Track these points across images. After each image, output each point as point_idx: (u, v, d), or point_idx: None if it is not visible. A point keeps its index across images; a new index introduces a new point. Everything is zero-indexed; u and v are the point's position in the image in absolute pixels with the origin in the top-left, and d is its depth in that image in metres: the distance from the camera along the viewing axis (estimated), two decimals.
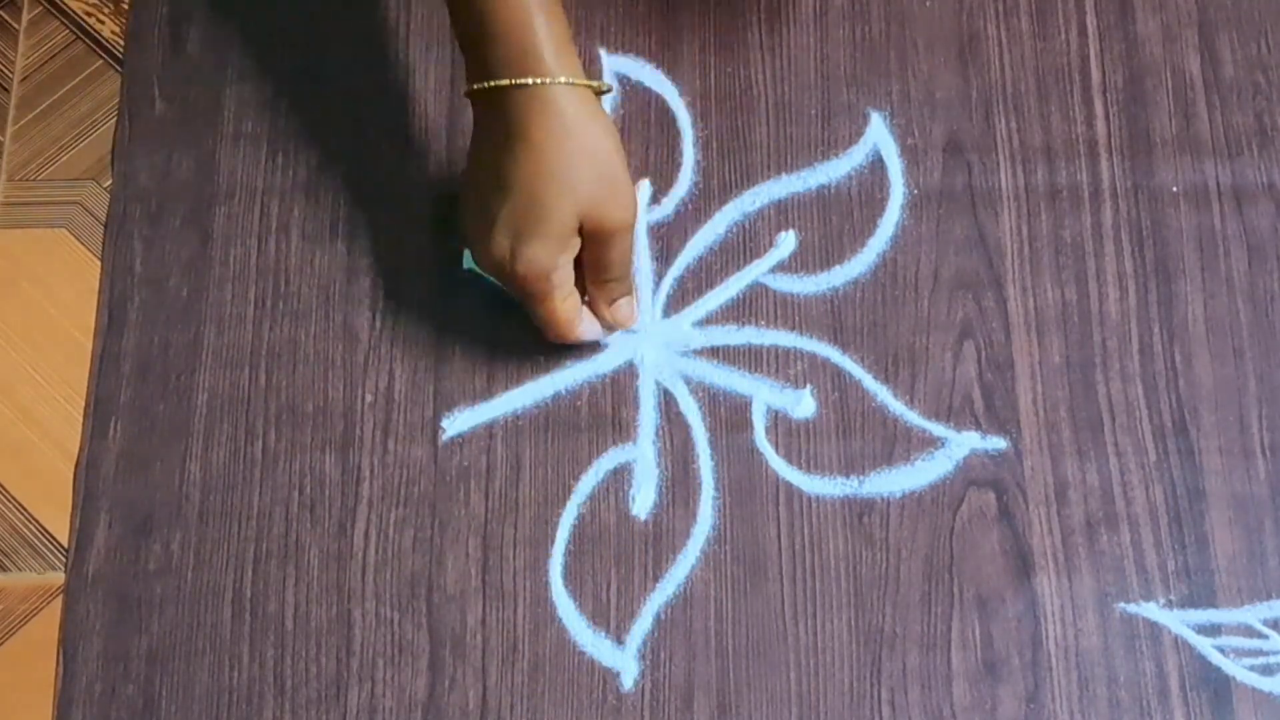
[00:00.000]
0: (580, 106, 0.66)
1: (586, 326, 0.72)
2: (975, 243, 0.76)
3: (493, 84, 0.66)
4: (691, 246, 0.77)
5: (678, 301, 0.76)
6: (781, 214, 0.77)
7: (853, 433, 0.73)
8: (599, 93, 0.68)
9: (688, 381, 0.74)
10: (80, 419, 0.74)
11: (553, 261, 0.68)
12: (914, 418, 0.73)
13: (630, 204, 0.69)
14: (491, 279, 0.71)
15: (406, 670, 0.69)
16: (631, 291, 0.73)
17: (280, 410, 0.74)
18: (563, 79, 0.66)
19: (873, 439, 0.73)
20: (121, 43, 0.82)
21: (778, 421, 0.73)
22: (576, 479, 0.72)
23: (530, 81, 0.65)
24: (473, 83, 0.67)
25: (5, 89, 0.81)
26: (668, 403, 0.74)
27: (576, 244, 0.69)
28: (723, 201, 0.77)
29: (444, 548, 0.71)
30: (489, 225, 0.68)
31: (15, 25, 0.82)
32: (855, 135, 0.79)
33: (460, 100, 0.79)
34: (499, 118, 0.67)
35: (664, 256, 0.76)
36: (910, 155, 0.78)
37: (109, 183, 0.79)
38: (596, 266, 0.70)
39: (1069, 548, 0.71)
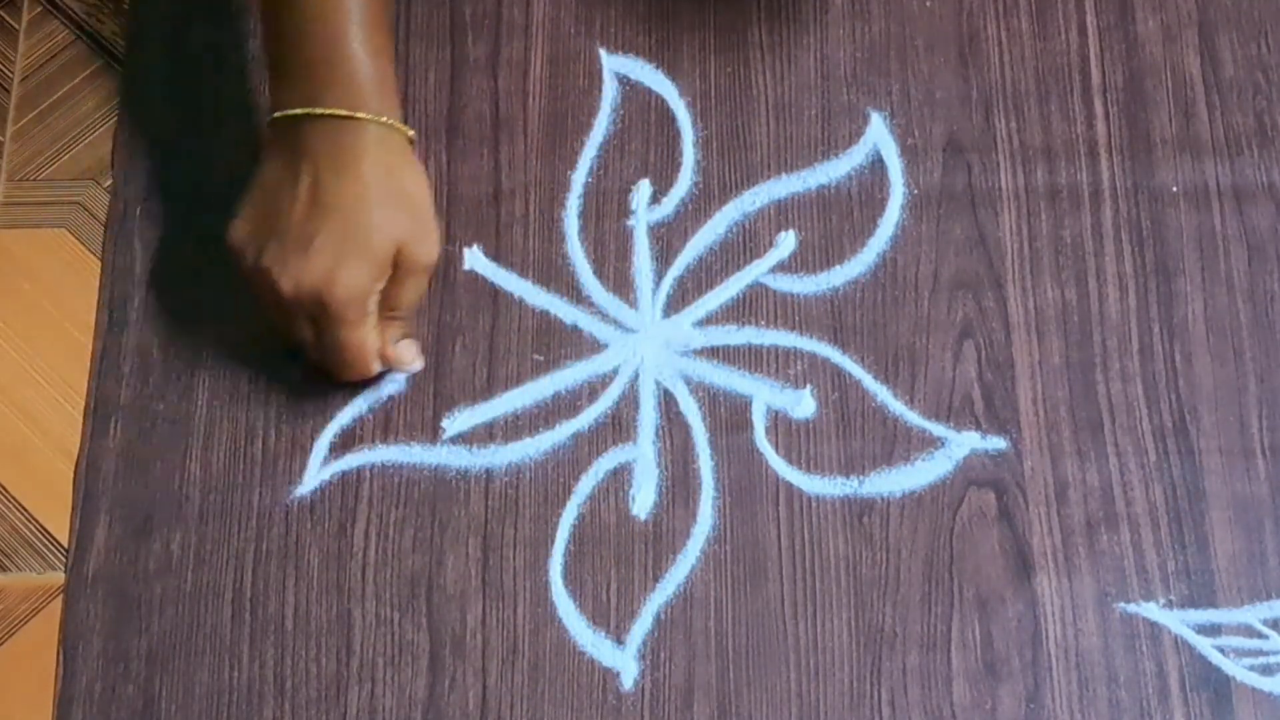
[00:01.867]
0: (400, 147, 0.69)
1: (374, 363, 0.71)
2: (975, 243, 0.76)
3: (323, 111, 0.66)
4: (691, 246, 0.77)
5: (678, 301, 0.76)
6: (781, 214, 0.77)
7: (853, 433, 0.73)
8: (410, 141, 0.70)
9: (688, 381, 0.74)
10: (80, 419, 0.74)
11: (372, 285, 0.68)
12: (914, 418, 0.73)
13: (438, 246, 0.71)
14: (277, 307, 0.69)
15: (406, 670, 0.69)
16: (414, 333, 0.73)
17: (280, 410, 0.74)
18: (385, 119, 0.68)
19: (873, 439, 0.73)
20: (121, 43, 0.82)
21: (778, 421, 0.73)
22: (576, 479, 0.72)
23: (360, 116, 0.67)
24: (289, 107, 0.67)
25: (5, 89, 0.81)
26: (668, 403, 0.74)
27: (388, 275, 0.69)
28: (723, 201, 0.77)
29: (444, 548, 0.71)
30: (303, 247, 0.67)
31: (15, 25, 0.82)
32: (855, 135, 0.79)
33: (461, 100, 0.79)
34: (317, 144, 0.67)
35: (664, 256, 0.76)
36: (910, 155, 0.78)
37: (109, 183, 0.79)
38: (390, 302, 0.70)
39: (1069, 548, 0.71)
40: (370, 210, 0.67)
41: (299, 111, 0.67)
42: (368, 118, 0.67)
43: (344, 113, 0.67)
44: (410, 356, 0.72)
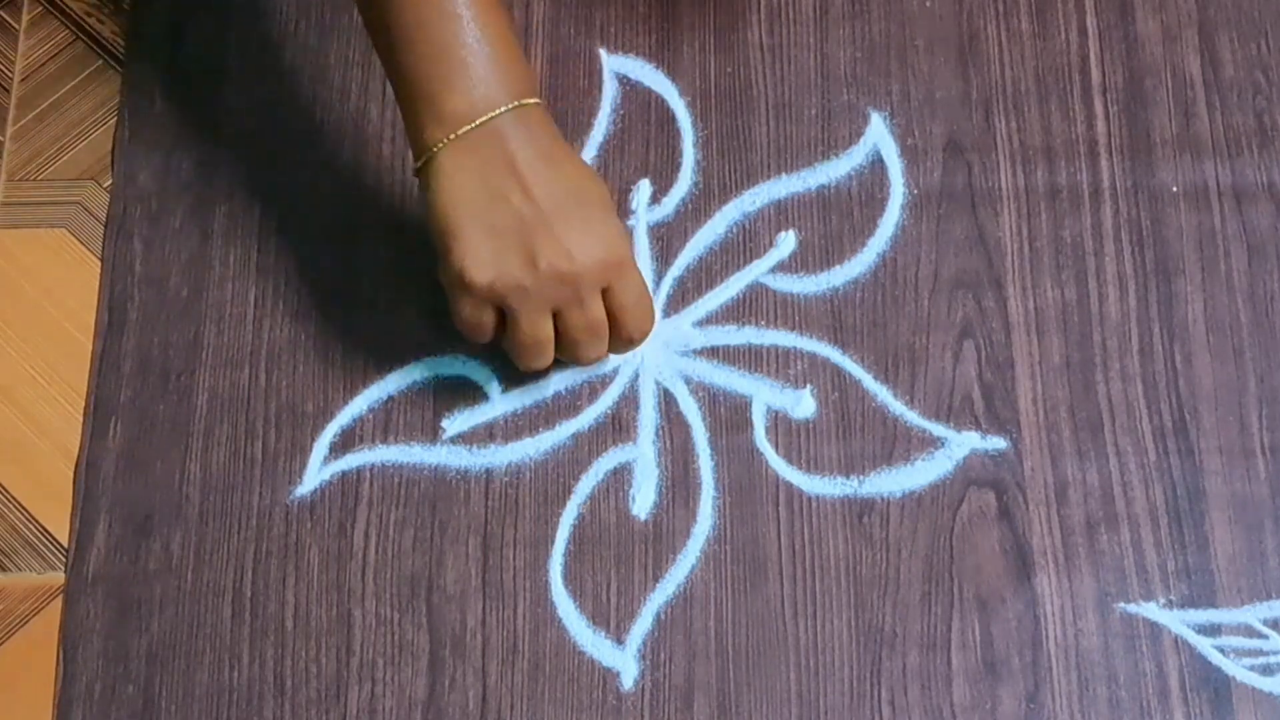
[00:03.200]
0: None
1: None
2: (975, 243, 0.76)
3: (512, 106, 0.65)
4: (691, 246, 0.77)
5: (678, 301, 0.76)
6: (781, 214, 0.77)
7: (853, 433, 0.73)
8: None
9: (688, 381, 0.74)
10: (80, 419, 0.74)
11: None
12: (914, 418, 0.73)
13: None
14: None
15: (406, 670, 0.69)
16: None
17: (280, 410, 0.74)
18: (535, 100, 0.67)
19: (873, 439, 0.73)
20: (121, 43, 0.82)
21: (778, 421, 0.73)
22: (576, 479, 0.72)
23: (533, 101, 0.67)
24: (468, 119, 0.65)
25: (5, 89, 0.81)
26: (668, 403, 0.74)
27: None
28: (723, 201, 0.77)
29: (444, 548, 0.71)
30: (573, 226, 0.65)
31: (15, 25, 0.82)
32: (855, 135, 0.79)
33: None
34: (511, 139, 0.65)
35: (664, 256, 0.76)
36: (910, 155, 0.78)
37: (109, 183, 0.79)
38: None
39: (1069, 548, 0.71)
40: (586, 167, 0.69)
41: (486, 118, 0.65)
42: (537, 101, 0.67)
43: (531, 101, 0.66)
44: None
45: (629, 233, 0.69)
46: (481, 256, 0.65)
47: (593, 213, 0.67)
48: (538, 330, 0.67)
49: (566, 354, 0.69)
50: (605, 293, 0.67)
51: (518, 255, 0.65)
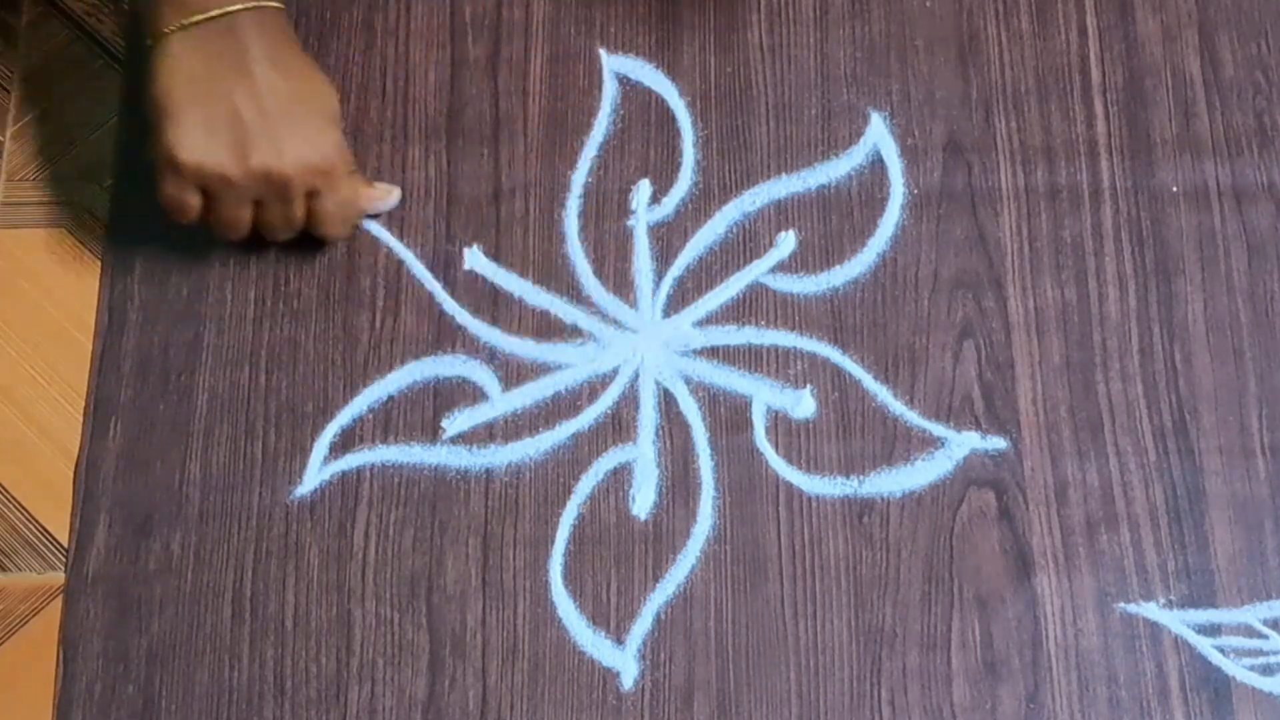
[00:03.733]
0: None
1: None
2: (975, 243, 0.77)
3: (253, 5, 0.68)
4: (691, 246, 0.77)
5: (678, 301, 0.76)
6: (781, 214, 0.77)
7: (853, 433, 0.73)
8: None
9: (688, 381, 0.74)
10: (80, 419, 0.74)
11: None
12: (914, 418, 0.73)
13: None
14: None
15: (406, 670, 0.69)
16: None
17: (280, 410, 0.74)
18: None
19: (873, 439, 0.73)
20: (121, 43, 0.82)
21: (778, 421, 0.73)
22: (576, 479, 0.72)
23: (273, 5, 0.70)
24: (202, 10, 0.67)
25: (5, 89, 0.81)
26: (668, 403, 0.74)
27: None
28: (723, 201, 0.77)
29: (444, 548, 0.71)
30: (291, 128, 0.69)
31: (15, 25, 0.82)
32: (855, 135, 0.79)
33: (461, 100, 0.79)
34: (248, 34, 0.68)
35: (664, 256, 0.76)
36: (910, 155, 0.78)
37: (109, 183, 0.79)
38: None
39: (1069, 548, 0.71)
40: (318, 75, 0.72)
41: (222, 11, 0.68)
42: (279, 6, 0.70)
43: (273, 4, 0.70)
44: (387, 188, 0.76)
45: (347, 145, 0.73)
46: (192, 140, 0.68)
47: (313, 121, 0.70)
48: (235, 216, 0.70)
49: (262, 231, 0.72)
50: (310, 196, 0.71)
51: (229, 147, 0.68)
